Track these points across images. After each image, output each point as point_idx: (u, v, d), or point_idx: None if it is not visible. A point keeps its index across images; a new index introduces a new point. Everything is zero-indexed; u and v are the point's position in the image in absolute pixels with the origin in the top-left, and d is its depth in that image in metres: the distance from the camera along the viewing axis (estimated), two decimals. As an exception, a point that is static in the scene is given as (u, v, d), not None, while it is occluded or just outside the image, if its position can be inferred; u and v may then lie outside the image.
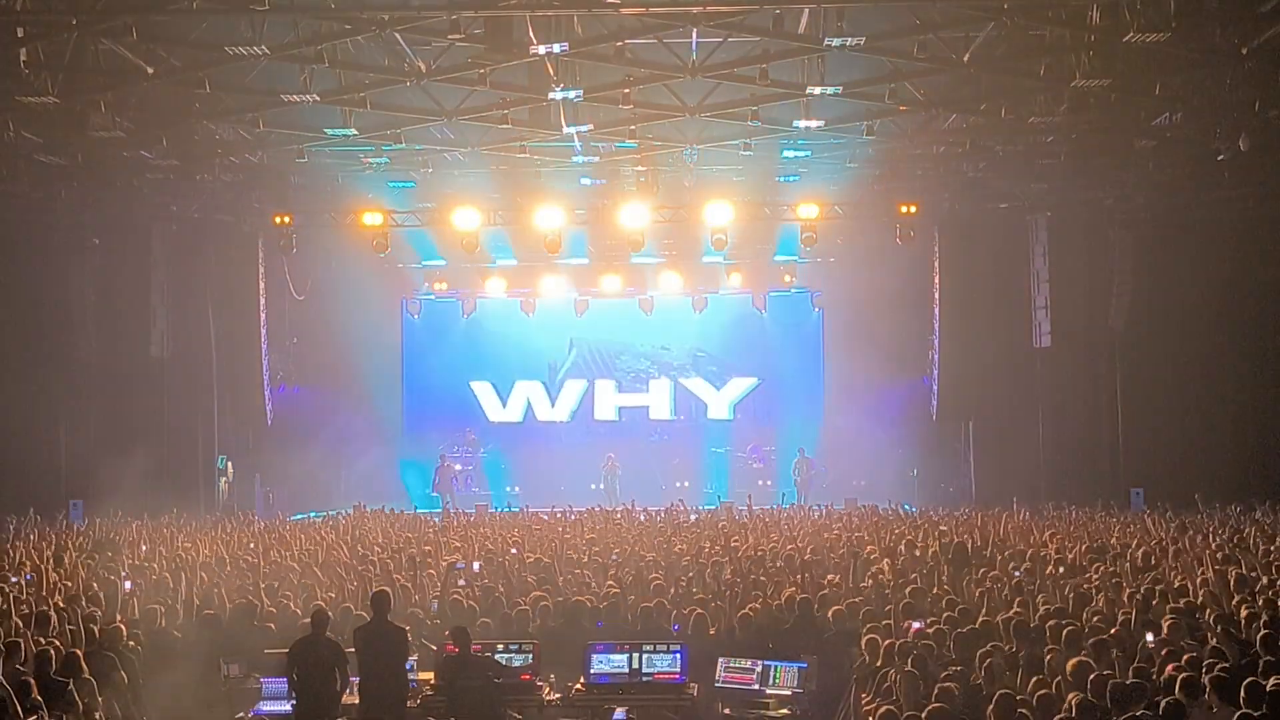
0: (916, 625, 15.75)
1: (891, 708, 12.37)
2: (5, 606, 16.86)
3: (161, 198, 34.44)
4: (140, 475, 33.72)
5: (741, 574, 19.81)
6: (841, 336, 41.08)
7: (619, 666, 15.52)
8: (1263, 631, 14.19)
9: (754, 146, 30.32)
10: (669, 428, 43.38)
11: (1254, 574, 18.33)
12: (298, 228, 33.77)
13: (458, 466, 40.63)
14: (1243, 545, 21.68)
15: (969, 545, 21.75)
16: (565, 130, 27.83)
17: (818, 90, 25.80)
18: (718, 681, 15.61)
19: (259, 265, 36.31)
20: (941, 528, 25.89)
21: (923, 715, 11.93)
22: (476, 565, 21.16)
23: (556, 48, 23.45)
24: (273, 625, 16.93)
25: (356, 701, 14.37)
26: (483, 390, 43.20)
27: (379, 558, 21.89)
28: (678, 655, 15.56)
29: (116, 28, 23.11)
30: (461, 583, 19.38)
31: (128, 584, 19.06)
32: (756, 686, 15.40)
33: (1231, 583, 17.47)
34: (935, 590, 18.14)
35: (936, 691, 12.46)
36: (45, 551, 22.91)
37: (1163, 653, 13.65)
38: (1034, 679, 12.92)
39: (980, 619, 15.81)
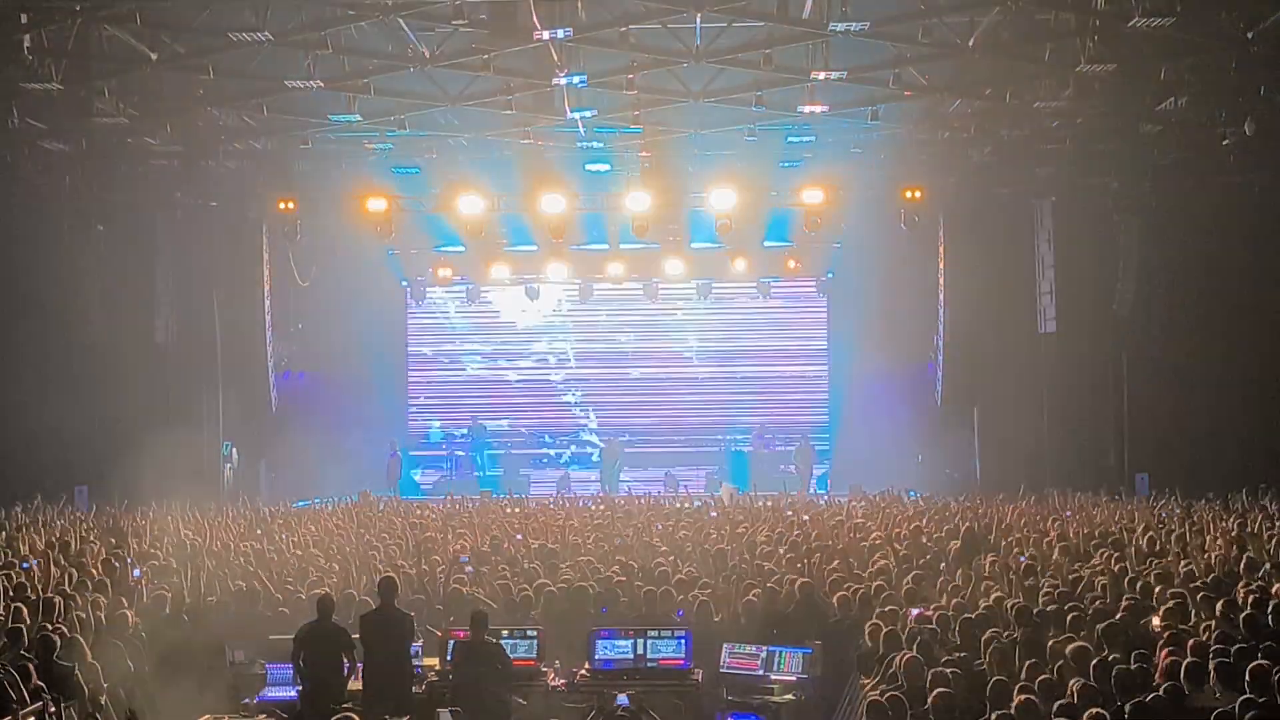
0: (915, 611, 15.78)
1: (895, 693, 12.39)
2: (11, 592, 16.90)
3: (166, 184, 34.41)
4: (145, 461, 33.78)
5: (746, 559, 19.82)
6: (846, 322, 41.05)
7: (623, 652, 15.55)
8: (1247, 613, 14.23)
9: (758, 132, 30.28)
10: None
11: (1259, 559, 18.33)
12: (302, 214, 33.75)
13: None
14: (1248, 531, 21.64)
15: (974, 531, 21.76)
16: (569, 116, 27.82)
17: (822, 75, 25.77)
18: (722, 667, 15.63)
19: (263, 251, 36.28)
20: (946, 513, 25.90)
21: (927, 701, 11.96)
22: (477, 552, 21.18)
23: (560, 33, 23.45)
24: (284, 610, 16.95)
25: (361, 687, 14.40)
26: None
27: (384, 544, 21.91)
28: (682, 641, 15.58)
29: (120, 14, 23.16)
30: (469, 570, 19.39)
31: (137, 571, 19.08)
32: (761, 672, 15.43)
33: (1237, 568, 17.48)
34: (940, 576, 18.15)
35: (939, 676, 12.47)
36: (51, 537, 22.93)
37: (1166, 638, 13.66)
38: (1036, 664, 12.93)
39: (984, 605, 15.83)
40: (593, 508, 28.92)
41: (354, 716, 12.40)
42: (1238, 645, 12.95)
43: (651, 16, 24.80)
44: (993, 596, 16.28)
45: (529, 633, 15.74)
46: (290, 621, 15.73)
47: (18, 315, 34.02)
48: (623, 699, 14.58)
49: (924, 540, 21.43)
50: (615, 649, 15.58)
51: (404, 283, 42.42)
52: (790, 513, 27.03)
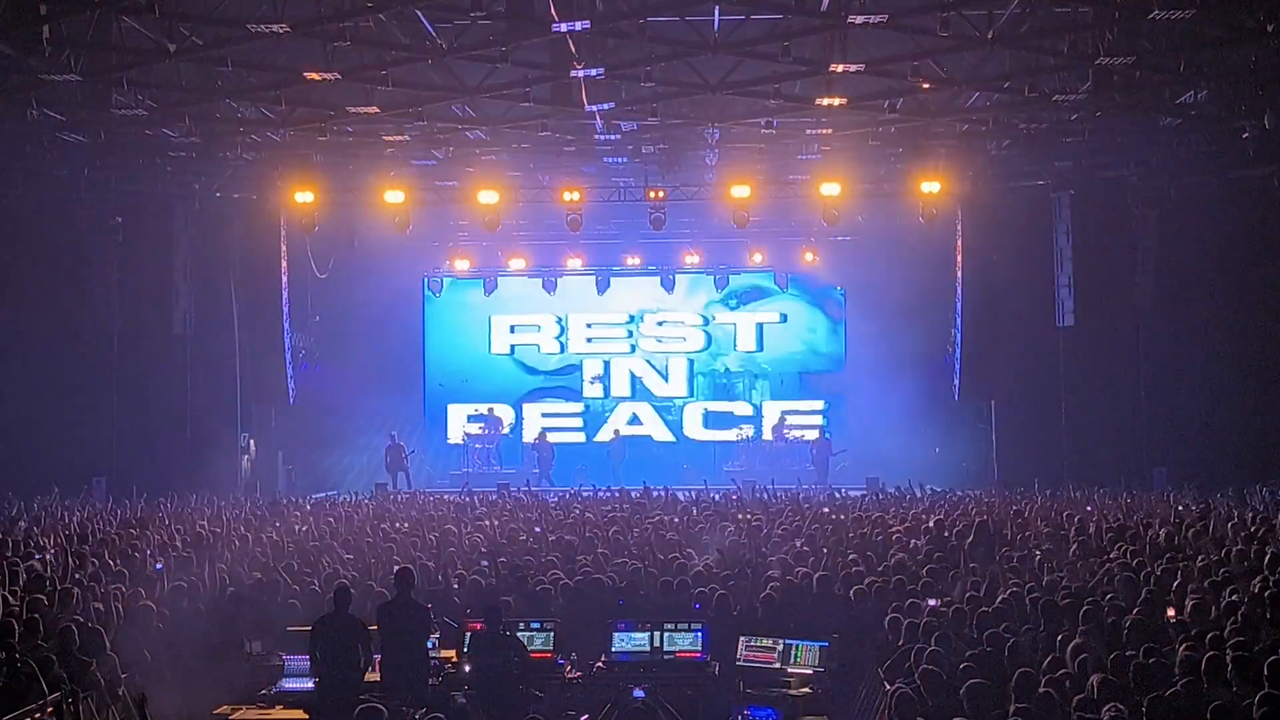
0: (932, 603, 15.77)
1: (921, 684, 12.38)
2: (30, 584, 16.96)
3: (184, 176, 34.51)
4: (162, 453, 33.90)
5: (764, 553, 19.82)
6: (863, 315, 41.02)
7: (640, 645, 15.56)
8: (1266, 607, 14.19)
9: (776, 124, 30.22)
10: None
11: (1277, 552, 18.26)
12: (319, 206, 33.78)
13: (406, 448, 39.93)
14: (1267, 525, 21.56)
15: (992, 525, 21.72)
16: (586, 108, 27.78)
17: (840, 67, 25.70)
18: (739, 660, 15.63)
19: (281, 243, 36.32)
20: (964, 508, 25.86)
21: (949, 694, 11.95)
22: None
23: (578, 25, 23.42)
24: (296, 602, 16.99)
25: (378, 678, 14.42)
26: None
27: (402, 536, 21.94)
28: (699, 634, 15.58)
29: (138, 5, 23.14)
30: (484, 564, 19.42)
31: (159, 565, 19.11)
32: (778, 665, 15.42)
33: (1259, 563, 17.42)
34: (957, 570, 18.12)
35: (962, 670, 12.46)
36: (70, 529, 23.00)
37: (1184, 632, 13.63)
38: (1055, 658, 12.90)
39: (1002, 598, 15.81)
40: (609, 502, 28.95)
41: (376, 706, 12.39)
42: (1257, 640, 12.93)
43: (669, 9, 24.76)
44: (1010, 590, 16.27)
45: (546, 625, 15.76)
46: (307, 613, 15.76)
47: (36, 307, 34.11)
48: (639, 691, 14.56)
49: (941, 534, 21.41)
50: (632, 641, 15.59)
51: (421, 274, 42.46)
52: (808, 506, 27.02)
